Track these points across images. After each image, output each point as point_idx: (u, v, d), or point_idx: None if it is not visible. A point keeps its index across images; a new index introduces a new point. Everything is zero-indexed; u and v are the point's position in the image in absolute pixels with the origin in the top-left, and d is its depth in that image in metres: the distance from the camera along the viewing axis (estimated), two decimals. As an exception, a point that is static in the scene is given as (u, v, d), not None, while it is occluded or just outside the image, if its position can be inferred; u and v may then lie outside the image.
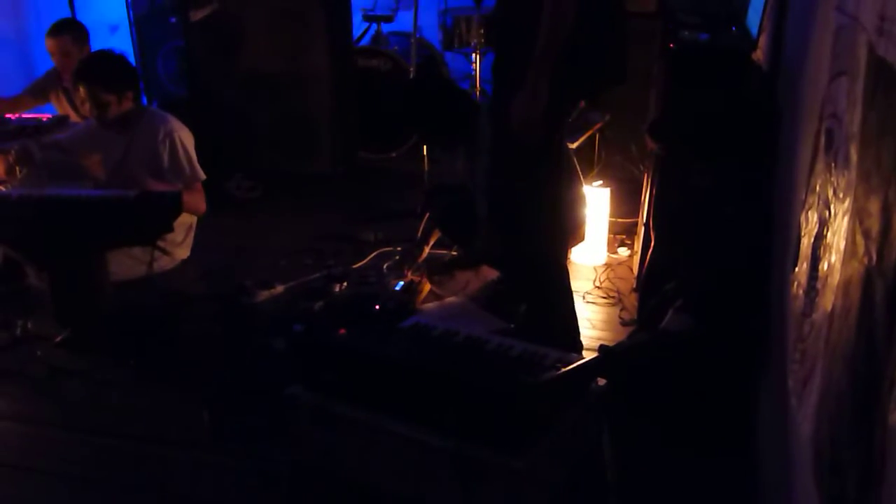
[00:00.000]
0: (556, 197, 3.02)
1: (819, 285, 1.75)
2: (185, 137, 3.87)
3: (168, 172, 3.80)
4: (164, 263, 3.94)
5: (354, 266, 4.08)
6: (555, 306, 3.08)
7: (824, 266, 1.72)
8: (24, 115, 4.51)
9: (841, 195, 1.61)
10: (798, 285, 2.04)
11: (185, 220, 3.89)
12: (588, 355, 2.48)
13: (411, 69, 5.32)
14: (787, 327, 2.16)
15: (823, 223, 1.78)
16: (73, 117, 4.52)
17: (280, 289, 3.77)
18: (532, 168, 2.89)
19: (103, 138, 3.89)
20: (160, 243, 3.75)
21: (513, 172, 2.97)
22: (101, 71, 3.74)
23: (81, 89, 3.74)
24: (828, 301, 1.62)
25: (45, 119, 4.50)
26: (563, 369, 2.38)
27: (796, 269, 2.10)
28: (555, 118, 2.82)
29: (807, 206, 2.04)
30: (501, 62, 2.98)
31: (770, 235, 2.69)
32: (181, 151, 3.82)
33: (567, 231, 3.24)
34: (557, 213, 3.05)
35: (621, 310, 3.64)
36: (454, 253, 4.10)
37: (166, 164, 3.79)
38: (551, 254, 3.08)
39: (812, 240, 1.89)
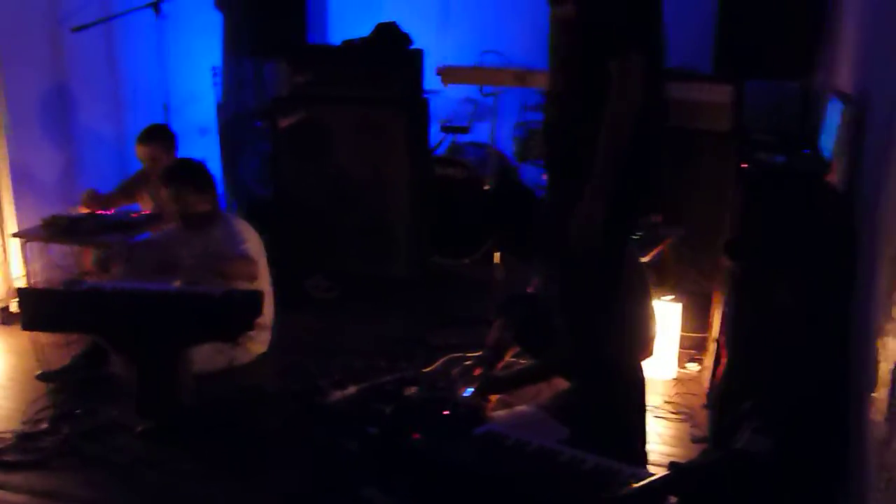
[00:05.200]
0: (625, 310, 3.04)
1: (900, 413, 1.76)
2: (251, 238, 4.12)
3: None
4: (240, 357, 4.07)
5: (425, 370, 4.14)
6: (621, 418, 3.08)
7: (905, 394, 1.73)
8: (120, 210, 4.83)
9: (921, 325, 1.64)
10: (877, 411, 2.03)
11: (260, 320, 4.02)
12: (659, 472, 2.47)
13: (486, 179, 5.46)
14: (868, 452, 2.14)
15: (904, 351, 1.79)
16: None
17: (353, 389, 3.84)
18: (595, 280, 2.93)
19: (187, 238, 4.14)
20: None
21: (578, 283, 3.03)
22: (188, 174, 4.14)
23: (168, 191, 4.08)
24: (910, 430, 1.63)
25: (136, 216, 4.79)
26: (636, 486, 2.38)
27: (874, 395, 2.10)
28: (612, 232, 2.85)
29: (885, 333, 2.06)
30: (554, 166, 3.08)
31: (847, 358, 2.68)
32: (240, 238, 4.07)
33: (639, 344, 3.26)
34: (627, 325, 3.07)
35: (692, 426, 3.61)
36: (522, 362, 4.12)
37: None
38: (622, 367, 3.10)
39: (892, 366, 1.90)
